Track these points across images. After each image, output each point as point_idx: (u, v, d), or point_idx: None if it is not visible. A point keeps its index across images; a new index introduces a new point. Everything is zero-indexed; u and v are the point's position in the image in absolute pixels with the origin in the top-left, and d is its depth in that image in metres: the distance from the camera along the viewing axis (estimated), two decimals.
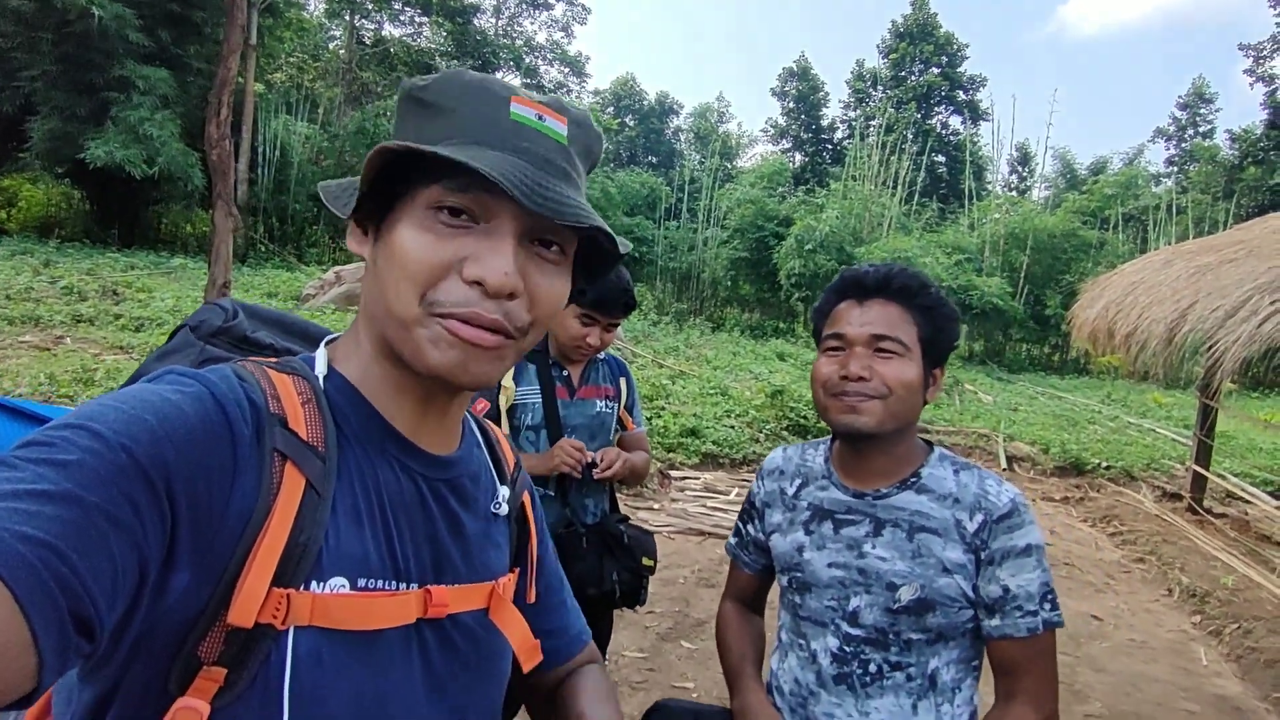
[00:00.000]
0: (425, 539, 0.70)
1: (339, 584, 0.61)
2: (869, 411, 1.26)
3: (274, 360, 0.70)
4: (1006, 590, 1.23)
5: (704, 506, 6.00)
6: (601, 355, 2.36)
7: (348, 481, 0.65)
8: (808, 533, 1.37)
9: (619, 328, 2.30)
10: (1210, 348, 5.08)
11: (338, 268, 11.89)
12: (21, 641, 0.42)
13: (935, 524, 1.28)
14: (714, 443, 7.20)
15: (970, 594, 1.25)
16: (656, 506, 5.95)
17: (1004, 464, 8.11)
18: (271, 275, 13.18)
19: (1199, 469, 6.92)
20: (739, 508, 5.82)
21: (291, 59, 22.83)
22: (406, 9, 27.22)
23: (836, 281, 1.37)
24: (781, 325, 19.15)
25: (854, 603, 1.30)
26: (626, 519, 2.32)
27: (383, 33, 27.26)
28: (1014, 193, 29.64)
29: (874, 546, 1.30)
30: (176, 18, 13.72)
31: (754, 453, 7.31)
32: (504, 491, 0.81)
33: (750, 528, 1.54)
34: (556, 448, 2.09)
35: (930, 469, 1.33)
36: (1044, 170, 30.67)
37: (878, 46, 35.51)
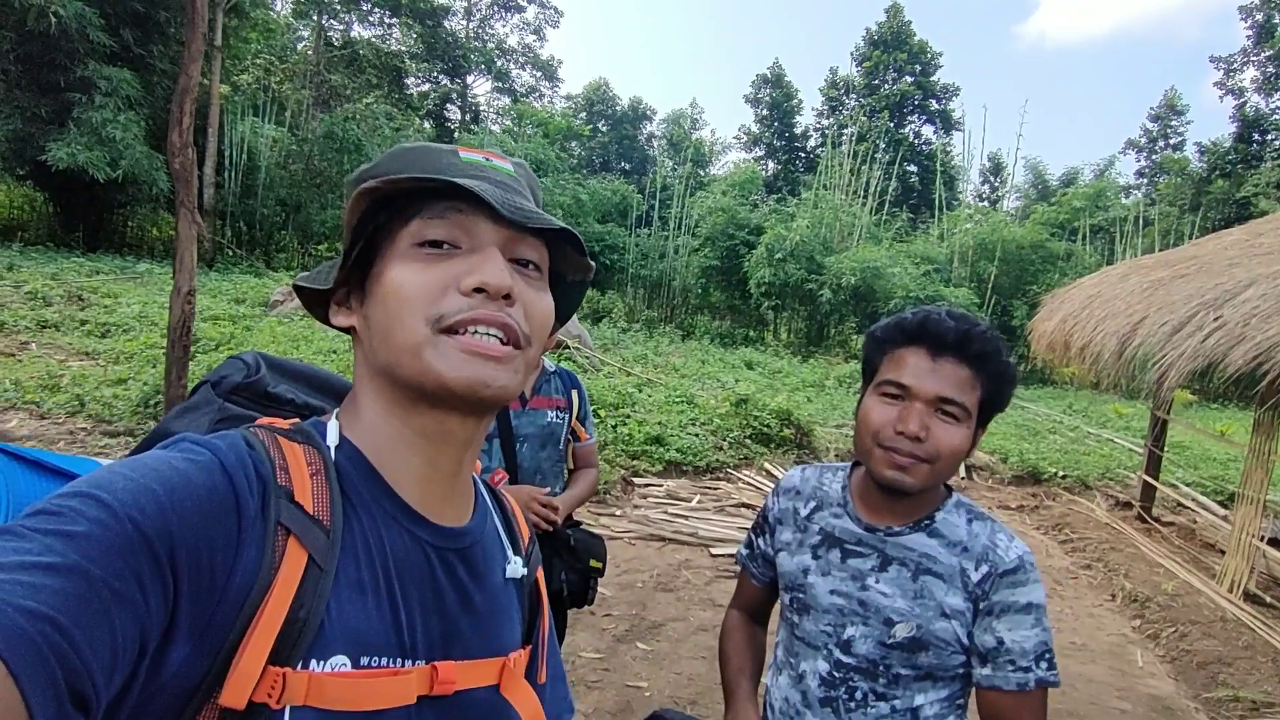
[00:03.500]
0: (434, 611, 0.69)
1: (340, 662, 0.60)
2: (916, 474, 1.25)
3: (286, 427, 0.70)
4: (1001, 643, 1.25)
5: (665, 513, 6.06)
6: (553, 368, 2.45)
7: (353, 553, 0.64)
8: (815, 557, 1.39)
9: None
10: (1157, 362, 5.24)
11: (301, 277, 11.78)
12: (16, 716, 0.42)
13: (941, 568, 1.29)
14: (678, 450, 7.27)
15: (965, 640, 1.27)
16: (619, 513, 6.00)
17: (962, 473, 8.25)
18: (239, 281, 13.03)
19: (1149, 479, 7.11)
20: (699, 515, 5.82)
21: (258, 60, 22.43)
22: (375, 10, 27.00)
23: (912, 323, 1.28)
24: (751, 333, 19.26)
25: (849, 631, 1.32)
26: (578, 524, 2.41)
27: (351, 34, 27.01)
28: (986, 203, 30.15)
29: (878, 581, 1.32)
30: (140, 17, 13.45)
31: (717, 460, 7.38)
32: (517, 560, 0.81)
33: (761, 541, 1.55)
34: (529, 500, 2.19)
35: (945, 514, 1.34)
36: (1015, 181, 31.23)
37: (851, 54, 35.95)
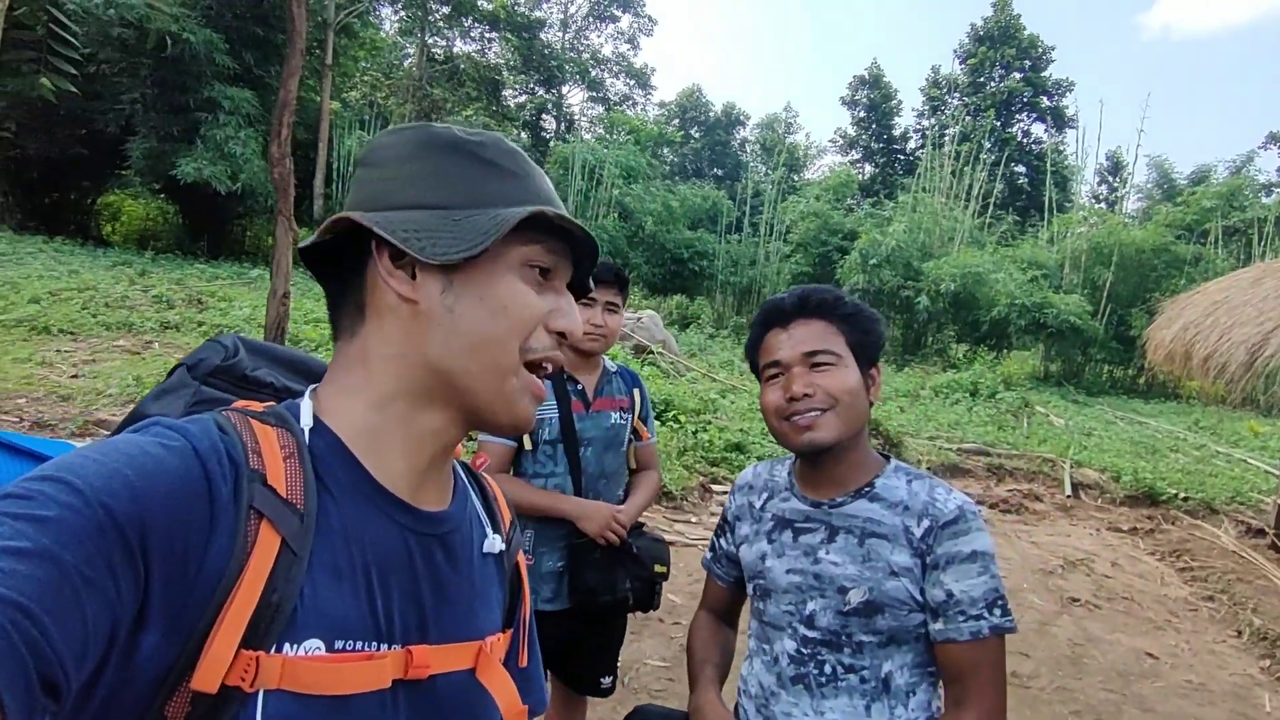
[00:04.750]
0: (410, 596, 0.68)
1: (314, 646, 0.60)
2: (823, 425, 1.32)
3: (259, 409, 0.69)
4: (950, 594, 1.26)
5: None
6: (614, 368, 2.38)
7: (328, 538, 0.64)
8: (770, 541, 1.44)
9: (620, 311, 2.32)
10: None
11: None
12: None
13: (885, 530, 1.33)
14: (758, 459, 7.03)
15: (918, 597, 1.29)
16: (694, 520, 5.89)
17: (1069, 491, 7.71)
18: None
19: None
20: None
21: (365, 77, 23.72)
22: (476, 25, 28.02)
23: (758, 314, 1.45)
24: None
25: (810, 606, 1.35)
26: (641, 527, 2.35)
27: (453, 49, 28.16)
28: (1102, 204, 28.32)
29: (828, 552, 1.35)
30: (260, 40, 14.55)
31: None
32: (495, 537, 0.80)
33: (723, 541, 1.60)
34: (608, 523, 2.15)
35: (884, 479, 1.38)
36: (1136, 180, 29.14)
37: (955, 52, 34.91)
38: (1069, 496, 7.65)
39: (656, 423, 7.53)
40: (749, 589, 1.50)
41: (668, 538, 5.50)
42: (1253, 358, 5.35)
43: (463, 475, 0.83)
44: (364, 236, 0.68)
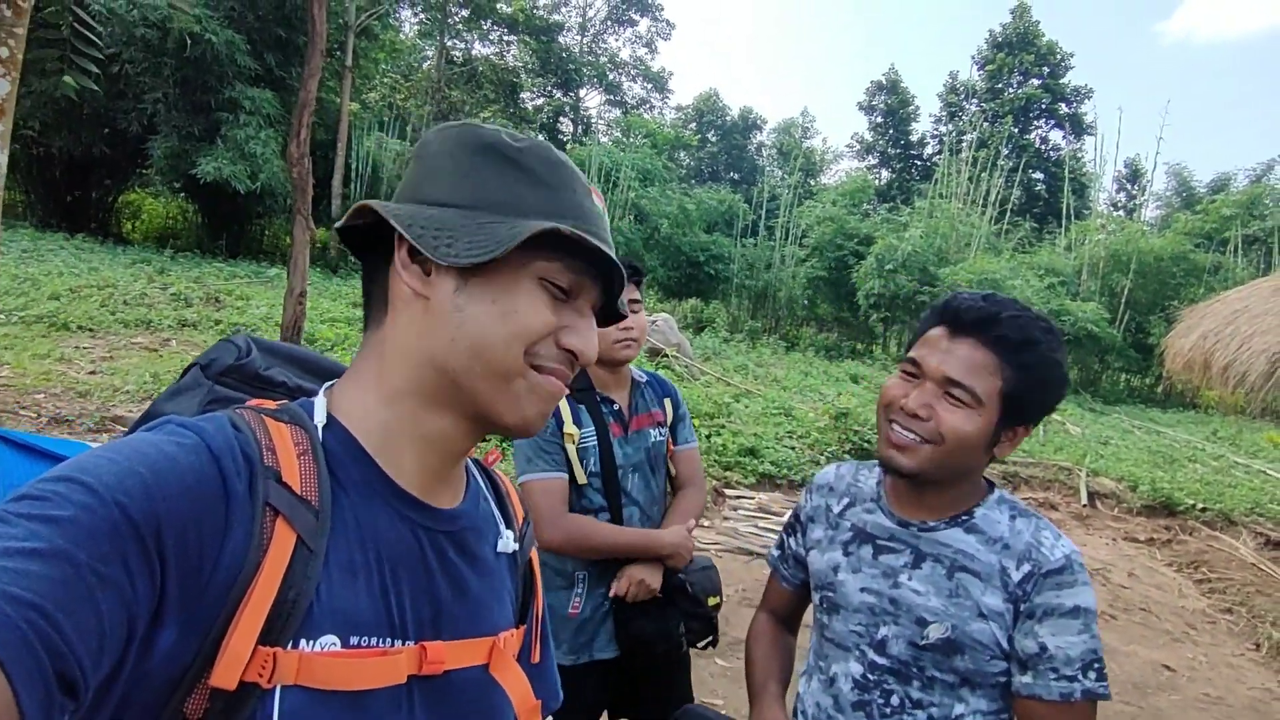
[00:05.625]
0: (424, 593, 0.69)
1: (330, 641, 0.61)
2: (912, 454, 1.19)
3: (272, 407, 0.69)
4: (1044, 648, 1.15)
5: (755, 527, 5.89)
6: (644, 377, 2.19)
7: (343, 535, 0.64)
8: (845, 554, 1.34)
9: (642, 308, 2.13)
10: None
11: None
12: (4, 702, 0.42)
13: (979, 566, 1.21)
14: (772, 463, 7.07)
15: (1004, 645, 1.18)
16: (707, 523, 5.87)
17: (1085, 500, 7.64)
18: (359, 287, 13.70)
19: None
20: None
21: (385, 79, 23.84)
22: (495, 28, 28.06)
23: (940, 302, 1.27)
24: (859, 346, 18.76)
25: (882, 631, 1.26)
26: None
27: (472, 52, 28.17)
28: (1121, 212, 28.10)
29: (910, 578, 1.25)
30: (282, 42, 14.65)
31: (812, 475, 7.10)
32: (508, 534, 0.81)
33: (793, 541, 1.50)
34: (683, 544, 1.96)
35: (985, 510, 1.26)
36: (1155, 188, 28.96)
37: (973, 58, 34.58)
38: (1085, 505, 7.60)
39: None
40: (814, 598, 1.40)
41: None
42: (1273, 367, 5.29)
43: (475, 472, 0.83)
44: (392, 226, 0.69)
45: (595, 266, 0.71)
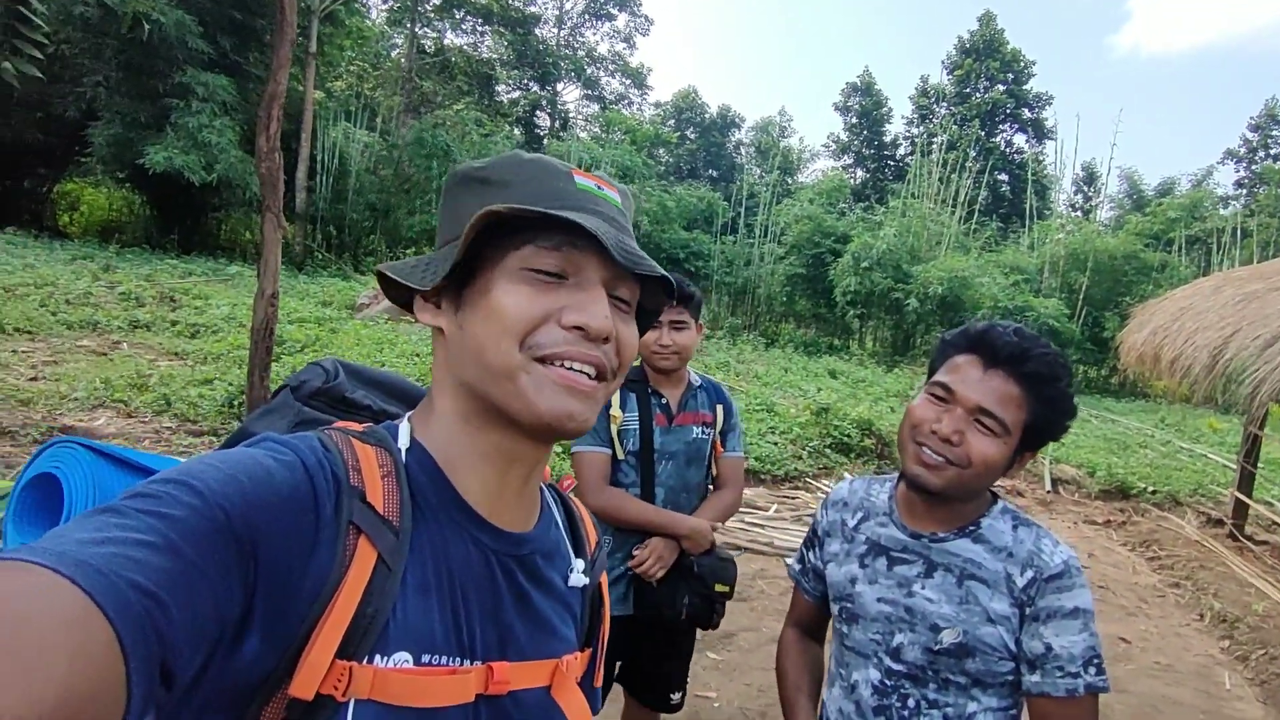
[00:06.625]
0: (492, 615, 0.70)
1: (403, 659, 0.62)
2: (941, 475, 1.27)
3: (359, 430, 0.72)
4: (1049, 648, 1.24)
5: (742, 522, 6.01)
6: (699, 381, 2.41)
7: (419, 555, 0.66)
8: (862, 566, 1.41)
9: (694, 327, 2.31)
10: (1250, 376, 5.18)
11: None
12: (119, 684, 0.43)
13: (986, 574, 1.30)
14: (756, 459, 7.24)
15: (1012, 646, 1.27)
16: None
17: (1049, 486, 8.17)
18: (327, 284, 13.08)
19: (1241, 496, 6.95)
20: (776, 524, 5.58)
21: (351, 67, 22.62)
22: (468, 18, 27.30)
23: (974, 331, 1.32)
24: (836, 342, 19.07)
25: (898, 639, 1.34)
26: (711, 547, 2.29)
27: (444, 41, 27.31)
28: (1078, 213, 29.05)
29: (923, 587, 1.33)
30: (238, 25, 13.91)
31: (795, 470, 7.40)
32: (580, 565, 0.82)
33: (811, 555, 1.56)
34: (706, 538, 2.20)
35: (990, 520, 1.35)
36: (1109, 190, 30.02)
37: (943, 63, 35.22)
38: (1049, 491, 8.10)
39: None
40: (833, 609, 1.47)
41: None
42: (1214, 360, 5.73)
43: (549, 499, 0.85)
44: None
45: (587, 240, 0.68)
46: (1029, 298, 16.21)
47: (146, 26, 11.48)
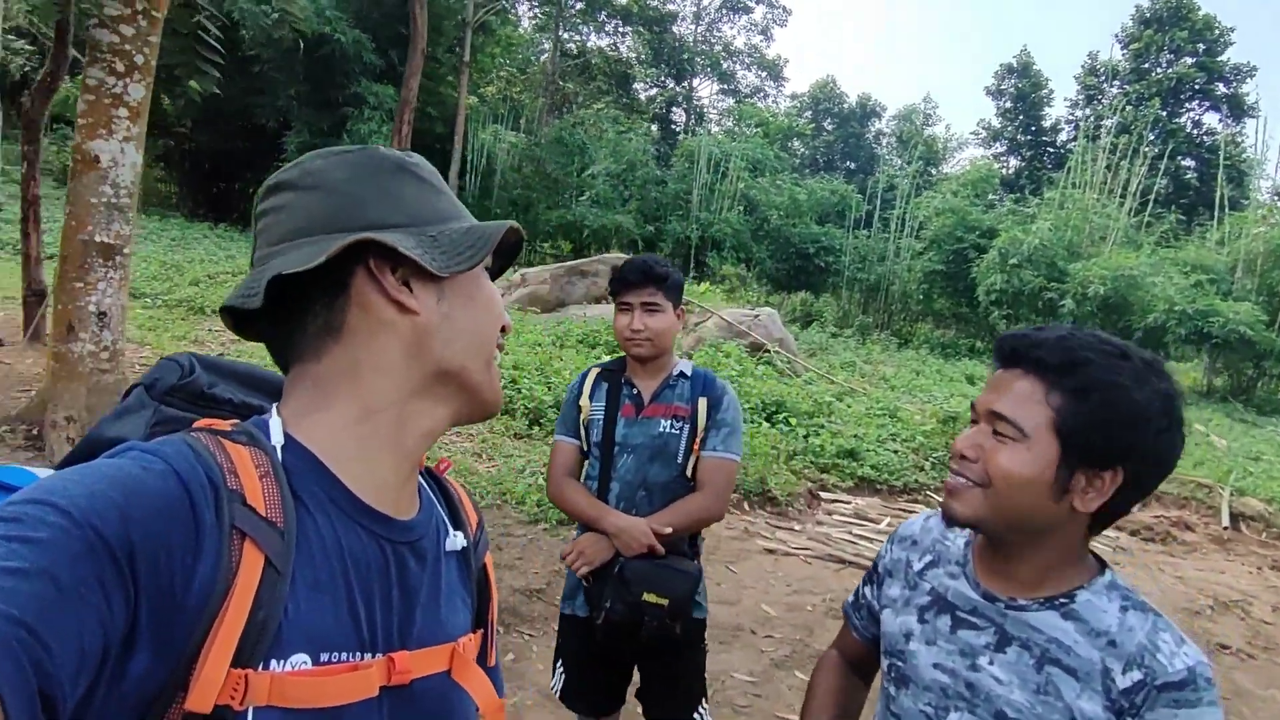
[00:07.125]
0: (388, 604, 0.71)
1: (300, 660, 0.62)
2: (962, 499, 1.07)
3: (225, 427, 0.69)
4: None
5: (849, 533, 5.67)
6: (687, 370, 2.19)
7: (308, 553, 0.65)
8: (921, 620, 1.19)
9: (672, 311, 2.14)
10: None
11: (523, 270, 12.63)
12: None
13: (1075, 662, 1.04)
14: (872, 467, 6.80)
15: None
16: (798, 528, 5.72)
17: (1226, 522, 6.97)
18: None
19: None
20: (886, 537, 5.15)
21: (501, 73, 24.59)
22: (609, 19, 28.51)
23: (1007, 334, 1.16)
24: (977, 345, 17.99)
25: (953, 717, 1.12)
26: (683, 549, 2.12)
27: (586, 44, 28.75)
28: None
29: (991, 662, 1.09)
30: (403, 39, 15.20)
31: (915, 481, 6.84)
32: (457, 534, 0.82)
33: (868, 590, 1.35)
34: (637, 541, 2.01)
35: (1090, 594, 1.07)
36: None
37: (1116, 36, 32.58)
38: (1226, 528, 6.93)
39: (766, 424, 7.37)
40: (883, 663, 1.27)
41: (768, 545, 5.38)
42: None
43: (424, 483, 0.85)
44: (342, 261, 0.68)
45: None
46: (1214, 301, 14.29)
47: (310, 41, 13.00)
